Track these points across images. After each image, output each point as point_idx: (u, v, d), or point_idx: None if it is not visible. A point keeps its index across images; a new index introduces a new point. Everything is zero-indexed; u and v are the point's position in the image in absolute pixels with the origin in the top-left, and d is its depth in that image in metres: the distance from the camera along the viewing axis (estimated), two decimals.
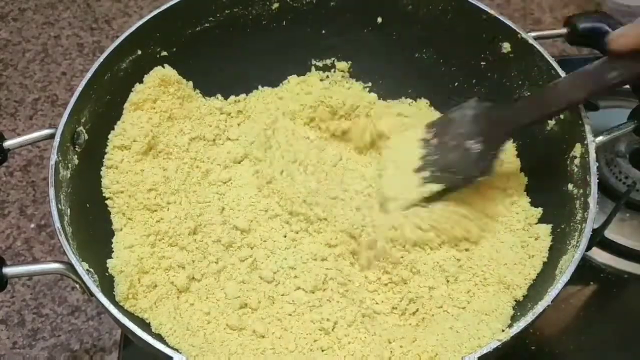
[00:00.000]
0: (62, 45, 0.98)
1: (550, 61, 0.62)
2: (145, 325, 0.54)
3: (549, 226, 0.60)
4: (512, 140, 0.64)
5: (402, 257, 0.59)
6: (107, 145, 0.63)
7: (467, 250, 0.60)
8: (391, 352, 0.54)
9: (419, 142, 0.61)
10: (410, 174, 0.60)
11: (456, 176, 0.58)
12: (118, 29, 1.00)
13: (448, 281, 0.59)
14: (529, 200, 0.64)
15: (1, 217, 0.79)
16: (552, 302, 0.49)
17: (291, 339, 0.56)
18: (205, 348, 0.53)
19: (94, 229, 0.59)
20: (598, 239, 0.61)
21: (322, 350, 0.55)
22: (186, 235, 0.61)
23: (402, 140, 0.63)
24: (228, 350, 0.54)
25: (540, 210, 0.62)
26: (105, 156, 0.63)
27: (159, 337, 0.52)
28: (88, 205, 0.59)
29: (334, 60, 0.76)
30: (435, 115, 0.72)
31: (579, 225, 0.55)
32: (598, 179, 0.55)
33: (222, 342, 0.55)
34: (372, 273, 0.59)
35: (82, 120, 0.60)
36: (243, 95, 0.74)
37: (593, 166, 0.56)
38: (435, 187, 0.58)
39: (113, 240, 0.60)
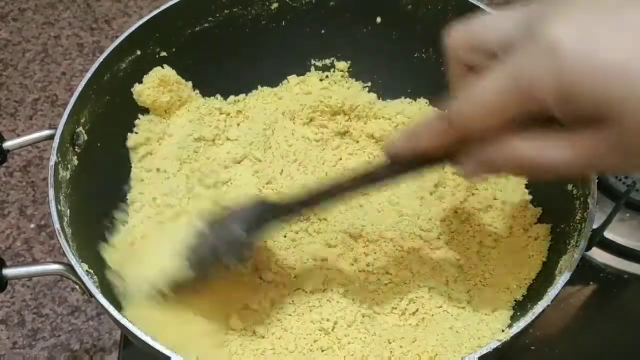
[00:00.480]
0: (62, 45, 0.98)
1: None
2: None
3: (549, 226, 0.60)
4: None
5: (402, 257, 0.59)
6: (106, 145, 0.63)
7: (467, 250, 0.60)
8: (391, 352, 0.54)
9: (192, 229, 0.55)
10: (169, 259, 0.53)
11: (215, 263, 0.51)
12: (118, 29, 1.00)
13: (448, 281, 0.59)
14: (529, 199, 0.64)
15: (1, 217, 0.79)
16: (551, 302, 0.49)
17: (291, 340, 0.56)
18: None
19: (94, 229, 0.59)
20: (598, 239, 0.61)
21: (322, 351, 0.55)
22: None
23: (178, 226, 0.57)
24: (228, 351, 0.54)
25: (539, 209, 0.62)
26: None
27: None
28: (88, 206, 0.59)
29: (333, 60, 0.76)
30: (436, 114, 0.72)
31: (579, 225, 0.55)
32: (598, 178, 0.55)
33: (222, 342, 0.55)
34: (372, 273, 0.59)
35: (82, 121, 0.60)
36: (242, 95, 0.74)
37: None
38: (186, 274, 0.52)
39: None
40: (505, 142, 0.38)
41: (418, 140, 0.43)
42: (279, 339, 0.56)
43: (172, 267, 0.52)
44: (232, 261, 0.51)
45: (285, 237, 0.62)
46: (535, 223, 0.61)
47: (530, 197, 0.64)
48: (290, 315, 0.57)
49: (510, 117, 0.36)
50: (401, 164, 0.45)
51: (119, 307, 0.51)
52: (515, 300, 0.57)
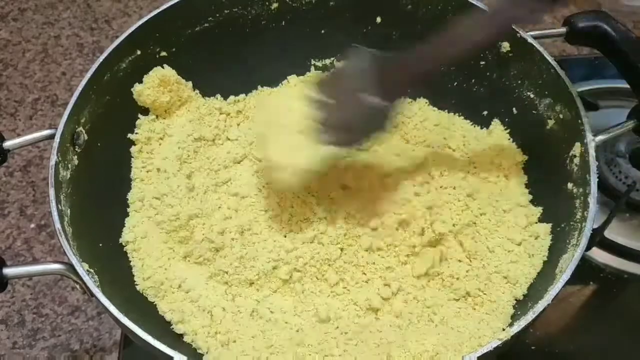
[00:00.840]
0: (62, 45, 0.98)
1: (550, 60, 0.62)
2: (146, 325, 0.54)
3: (549, 225, 0.60)
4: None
5: (407, 255, 0.59)
6: (106, 145, 0.63)
7: (467, 250, 0.60)
8: (391, 351, 0.53)
9: (300, 100, 0.54)
10: (296, 136, 0.53)
11: (353, 135, 0.52)
12: (118, 29, 1.00)
13: (448, 281, 0.59)
14: (529, 199, 0.64)
15: (1, 217, 0.79)
16: (552, 301, 0.49)
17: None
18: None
19: (94, 229, 0.59)
20: (598, 239, 0.61)
21: (323, 350, 0.55)
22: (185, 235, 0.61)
23: (279, 98, 0.57)
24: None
25: (540, 209, 0.62)
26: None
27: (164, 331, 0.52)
28: (88, 206, 0.59)
29: (333, 60, 0.76)
30: (435, 113, 0.72)
31: (579, 225, 0.55)
32: (598, 178, 0.55)
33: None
34: (372, 272, 0.59)
35: (82, 121, 0.60)
36: (242, 95, 0.74)
37: (593, 165, 0.56)
38: (331, 150, 0.52)
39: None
40: None
41: None
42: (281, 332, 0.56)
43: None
44: (376, 133, 0.50)
45: (285, 237, 0.62)
46: (536, 222, 0.61)
47: (531, 196, 0.64)
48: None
49: None
50: None
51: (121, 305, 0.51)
52: (516, 299, 0.57)
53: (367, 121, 0.51)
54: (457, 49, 0.49)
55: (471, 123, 0.72)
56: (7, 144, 0.58)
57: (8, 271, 0.51)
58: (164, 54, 0.68)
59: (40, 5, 1.03)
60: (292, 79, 0.75)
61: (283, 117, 0.54)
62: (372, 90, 0.50)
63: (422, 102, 0.74)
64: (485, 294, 0.57)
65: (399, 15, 0.71)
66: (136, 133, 0.67)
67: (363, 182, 0.63)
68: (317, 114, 0.52)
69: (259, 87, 0.75)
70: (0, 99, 0.91)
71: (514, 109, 0.68)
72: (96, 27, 1.01)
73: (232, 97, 0.74)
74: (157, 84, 0.67)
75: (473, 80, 0.71)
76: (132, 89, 0.66)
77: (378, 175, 0.64)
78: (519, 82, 0.66)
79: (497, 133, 0.69)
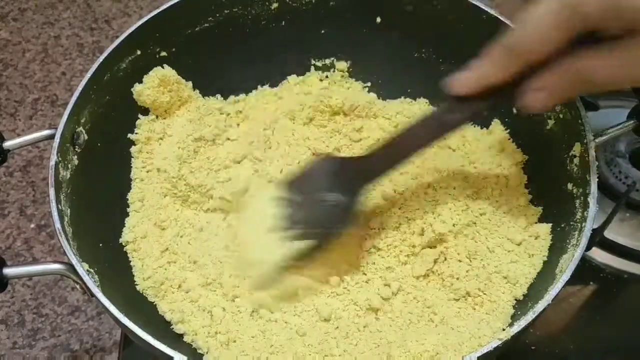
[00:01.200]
0: (62, 45, 0.98)
1: None
2: (146, 325, 0.54)
3: (549, 225, 0.60)
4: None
5: (407, 256, 0.59)
6: (106, 145, 0.63)
7: (467, 250, 0.60)
8: (391, 351, 0.54)
9: (274, 200, 0.58)
10: (269, 235, 0.56)
11: (326, 230, 0.55)
12: (118, 29, 1.00)
13: (448, 281, 0.59)
14: (529, 199, 0.64)
15: (1, 217, 0.79)
16: (552, 301, 0.49)
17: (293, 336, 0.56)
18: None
19: (94, 229, 0.59)
20: (598, 239, 0.61)
21: (323, 350, 0.55)
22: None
23: (257, 200, 0.61)
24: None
25: (540, 209, 0.62)
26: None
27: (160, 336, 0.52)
28: (88, 206, 0.59)
29: (333, 60, 0.76)
30: None
31: (579, 225, 0.55)
32: (598, 178, 0.55)
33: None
34: (373, 273, 0.59)
35: (82, 121, 0.60)
36: (242, 95, 0.74)
37: (593, 165, 0.56)
38: (305, 244, 0.55)
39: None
40: (568, 59, 0.42)
41: (483, 71, 0.47)
42: (281, 332, 0.56)
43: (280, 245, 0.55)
44: (340, 229, 0.54)
45: None
46: (536, 222, 0.61)
47: (531, 197, 0.64)
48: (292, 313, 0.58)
49: (565, 37, 0.41)
50: (469, 100, 0.48)
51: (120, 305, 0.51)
52: (516, 299, 0.57)
53: (328, 217, 0.55)
54: (406, 154, 0.54)
55: (471, 123, 0.72)
56: (7, 144, 0.58)
57: (8, 271, 0.51)
58: (164, 54, 0.69)
59: (40, 5, 1.04)
60: (292, 79, 0.75)
61: (259, 218, 0.58)
62: (332, 188, 0.55)
63: (422, 102, 0.74)
64: (485, 294, 0.57)
65: (399, 16, 0.71)
66: (136, 133, 0.67)
67: None
68: (284, 212, 0.56)
69: (259, 87, 0.75)
70: (0, 99, 0.91)
71: (514, 109, 0.68)
72: (96, 27, 1.01)
73: (232, 97, 0.74)
74: (157, 84, 0.67)
75: None
76: (132, 89, 0.66)
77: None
78: None
79: (497, 133, 0.69)
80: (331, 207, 0.55)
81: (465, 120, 0.52)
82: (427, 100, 0.74)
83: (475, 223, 0.62)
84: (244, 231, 0.60)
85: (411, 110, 0.72)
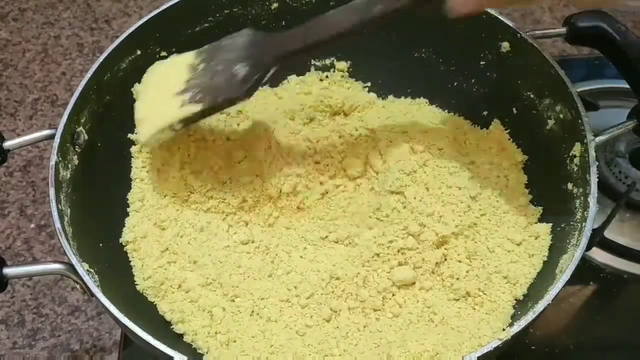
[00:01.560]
0: (62, 45, 0.98)
1: (550, 60, 0.62)
2: (146, 325, 0.54)
3: (549, 225, 0.60)
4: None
5: (407, 257, 0.59)
6: (106, 145, 0.63)
7: (468, 250, 0.60)
8: (391, 351, 0.54)
9: (186, 67, 0.60)
10: (172, 98, 0.58)
11: (217, 97, 0.57)
12: (118, 29, 1.00)
13: (448, 281, 0.59)
14: (529, 199, 0.64)
15: (1, 217, 0.79)
16: (552, 301, 0.49)
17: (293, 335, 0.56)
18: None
19: (94, 229, 0.59)
20: (598, 239, 0.61)
21: (323, 350, 0.55)
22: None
23: (169, 65, 0.62)
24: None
25: (540, 209, 0.62)
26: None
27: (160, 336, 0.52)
28: (88, 206, 0.59)
29: (333, 60, 0.76)
30: (435, 113, 0.72)
31: (579, 225, 0.55)
32: (598, 178, 0.55)
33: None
34: (374, 272, 0.59)
35: (82, 121, 0.60)
36: None
37: (593, 165, 0.56)
38: (194, 108, 0.57)
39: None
40: None
41: None
42: (284, 329, 0.57)
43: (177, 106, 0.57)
44: (235, 98, 0.56)
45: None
46: (536, 222, 0.61)
47: (531, 197, 0.64)
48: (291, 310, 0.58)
49: None
50: None
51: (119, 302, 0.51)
52: (516, 299, 0.57)
53: (229, 86, 0.57)
54: (325, 34, 0.56)
55: (471, 123, 0.72)
56: (7, 144, 0.58)
57: (8, 271, 0.51)
58: (164, 53, 0.68)
59: (40, 5, 1.03)
60: (292, 79, 0.75)
61: (166, 81, 0.60)
62: (242, 60, 0.57)
63: (422, 101, 0.74)
64: (485, 294, 0.57)
65: (399, 16, 0.71)
66: (136, 133, 0.67)
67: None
68: (189, 77, 0.59)
69: (259, 87, 0.75)
70: (0, 99, 0.91)
71: (514, 109, 0.68)
72: (96, 27, 1.01)
73: None
74: None
75: (473, 80, 0.71)
76: (132, 89, 0.66)
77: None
78: (519, 82, 0.66)
79: (497, 133, 0.69)
80: (232, 76, 0.56)
81: (387, 13, 0.53)
82: (427, 100, 0.74)
83: (475, 224, 0.61)
84: (148, 90, 0.61)
85: (411, 109, 0.72)
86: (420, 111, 0.73)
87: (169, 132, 0.59)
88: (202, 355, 0.55)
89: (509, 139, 0.68)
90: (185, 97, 0.57)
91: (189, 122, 0.58)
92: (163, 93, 0.59)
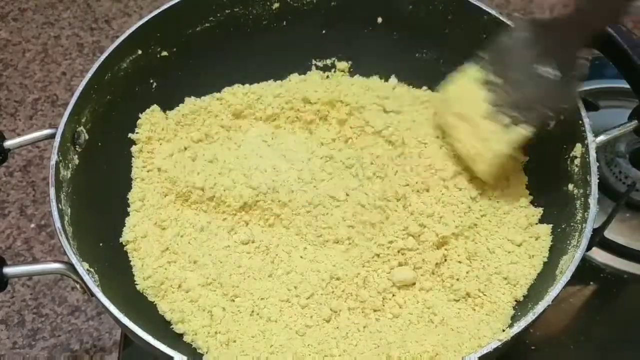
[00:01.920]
0: (62, 45, 0.98)
1: None
2: (146, 325, 0.54)
3: (550, 226, 0.60)
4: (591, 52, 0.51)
5: (408, 257, 0.59)
6: (107, 145, 0.63)
7: (468, 251, 0.60)
8: (391, 352, 0.54)
9: (478, 85, 0.52)
10: (485, 124, 0.51)
11: (543, 110, 0.49)
12: (118, 29, 1.00)
13: (448, 282, 0.59)
14: (530, 200, 0.64)
15: (1, 217, 0.79)
16: (552, 301, 0.49)
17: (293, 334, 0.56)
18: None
19: (95, 228, 0.59)
20: (598, 239, 0.61)
21: (319, 344, 0.55)
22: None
23: (458, 89, 0.54)
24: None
25: (540, 210, 0.62)
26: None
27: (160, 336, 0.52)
28: (88, 205, 0.59)
29: (334, 60, 0.76)
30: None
31: (579, 225, 0.55)
32: (598, 178, 0.55)
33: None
34: (374, 272, 0.59)
35: (83, 120, 0.60)
36: None
37: (593, 166, 0.56)
38: (525, 130, 0.50)
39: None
40: None
41: None
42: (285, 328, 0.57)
43: None
44: (548, 115, 0.47)
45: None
46: (536, 223, 0.61)
47: (531, 197, 0.64)
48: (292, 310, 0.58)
49: None
50: None
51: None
52: (516, 300, 0.57)
53: (546, 94, 0.48)
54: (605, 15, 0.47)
55: None
56: (8, 143, 0.58)
57: (8, 271, 0.51)
58: (165, 53, 0.69)
59: (40, 5, 1.04)
60: (294, 77, 0.75)
61: (466, 107, 0.53)
62: (543, 59, 0.47)
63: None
64: (485, 294, 0.57)
65: (400, 16, 0.71)
66: (137, 132, 0.67)
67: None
68: (493, 97, 0.50)
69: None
70: (0, 99, 0.91)
71: None
72: (96, 27, 1.01)
73: None
74: (149, 129, 0.67)
75: None
76: (133, 89, 0.66)
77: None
78: None
79: None
80: (543, 81, 0.47)
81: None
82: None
83: (476, 224, 0.62)
84: (457, 126, 0.54)
85: (411, 109, 0.72)
86: (418, 113, 0.72)
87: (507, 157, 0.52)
88: (202, 355, 0.55)
89: None
90: (503, 120, 0.50)
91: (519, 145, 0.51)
92: (475, 122, 0.52)
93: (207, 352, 0.55)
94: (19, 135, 0.60)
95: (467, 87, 0.53)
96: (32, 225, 0.79)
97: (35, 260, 0.76)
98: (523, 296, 0.57)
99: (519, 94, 0.49)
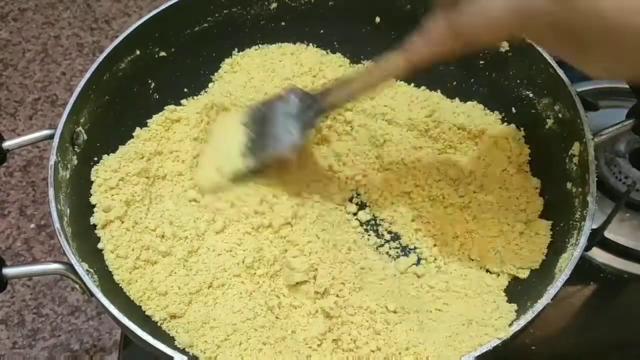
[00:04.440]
0: (62, 45, 0.98)
1: (549, 60, 0.62)
2: (146, 325, 0.54)
3: (549, 223, 0.60)
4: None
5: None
6: (106, 145, 0.63)
7: (467, 249, 0.60)
8: (391, 351, 0.53)
9: (240, 127, 0.63)
10: (233, 152, 0.61)
11: (274, 151, 0.59)
12: (118, 29, 1.00)
13: (448, 281, 0.59)
14: (529, 197, 0.64)
15: (1, 217, 0.79)
16: (551, 300, 0.49)
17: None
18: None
19: (94, 228, 0.59)
20: (598, 239, 0.61)
21: (319, 345, 0.55)
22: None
23: (225, 126, 0.65)
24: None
25: (539, 207, 0.62)
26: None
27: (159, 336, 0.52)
28: (87, 206, 0.59)
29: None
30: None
31: (578, 224, 0.55)
32: (598, 178, 0.55)
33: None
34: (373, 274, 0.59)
35: (82, 121, 0.60)
36: None
37: (592, 164, 0.56)
38: (253, 162, 0.60)
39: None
40: None
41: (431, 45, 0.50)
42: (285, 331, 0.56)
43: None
44: (309, 124, 0.58)
45: None
46: (535, 221, 0.61)
47: (530, 195, 0.64)
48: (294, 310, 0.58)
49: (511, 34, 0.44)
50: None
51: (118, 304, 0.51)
52: (515, 298, 0.57)
53: (279, 141, 0.59)
54: (345, 97, 0.58)
55: None
56: (7, 144, 0.58)
57: (8, 271, 0.51)
58: (163, 54, 0.69)
59: (40, 5, 1.04)
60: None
61: (229, 140, 0.63)
62: (294, 122, 0.59)
63: None
64: (485, 293, 0.57)
65: (398, 15, 0.71)
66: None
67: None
68: (246, 138, 0.61)
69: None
70: (0, 99, 0.91)
71: (513, 108, 0.68)
72: (96, 27, 1.01)
73: None
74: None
75: (472, 80, 0.71)
76: (132, 90, 0.66)
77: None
78: (518, 81, 0.66)
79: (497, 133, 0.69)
80: (285, 132, 0.59)
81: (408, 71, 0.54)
82: None
83: (475, 223, 0.61)
84: (212, 151, 0.64)
85: (411, 109, 0.72)
86: (414, 112, 0.72)
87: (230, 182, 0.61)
88: (201, 355, 0.55)
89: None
90: (248, 157, 0.60)
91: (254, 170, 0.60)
92: (228, 150, 0.62)
93: (204, 352, 0.55)
94: (18, 135, 0.60)
95: (232, 127, 0.63)
96: (32, 226, 0.79)
97: (35, 261, 0.76)
98: (522, 294, 0.57)
99: (263, 139, 0.60)
